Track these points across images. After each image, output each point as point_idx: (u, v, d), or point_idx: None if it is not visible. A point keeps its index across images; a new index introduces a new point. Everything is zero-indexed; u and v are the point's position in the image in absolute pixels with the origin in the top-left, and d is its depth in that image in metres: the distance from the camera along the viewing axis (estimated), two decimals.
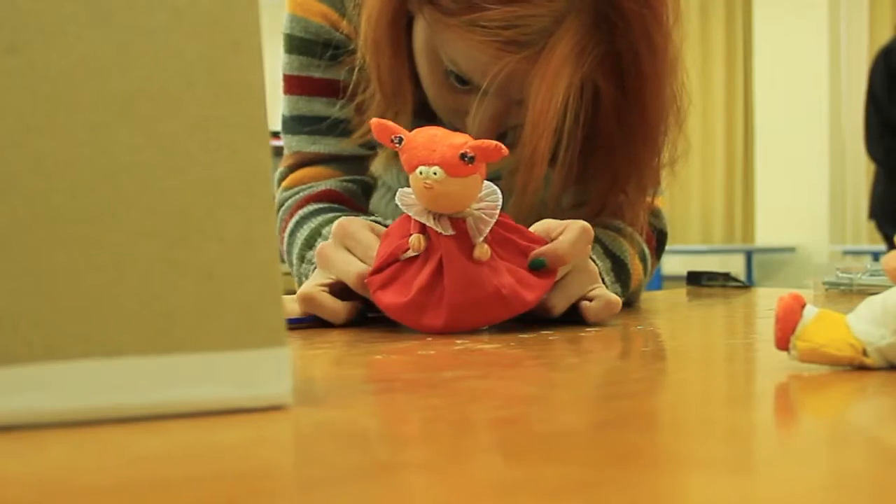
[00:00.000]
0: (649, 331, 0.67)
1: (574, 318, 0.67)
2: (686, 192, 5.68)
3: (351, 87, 0.84)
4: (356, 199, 0.91)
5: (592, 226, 0.68)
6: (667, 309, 0.87)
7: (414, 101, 0.81)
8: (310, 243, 0.83)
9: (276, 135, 0.96)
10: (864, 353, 0.42)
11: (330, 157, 0.90)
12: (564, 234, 0.65)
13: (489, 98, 0.74)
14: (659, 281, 4.29)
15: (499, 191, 0.63)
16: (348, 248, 0.67)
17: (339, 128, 0.88)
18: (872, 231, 5.03)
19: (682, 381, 0.45)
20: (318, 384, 0.43)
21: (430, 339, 0.59)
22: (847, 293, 1.01)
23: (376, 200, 1.01)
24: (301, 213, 0.87)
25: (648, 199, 0.85)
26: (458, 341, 0.57)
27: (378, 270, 0.64)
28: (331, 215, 0.84)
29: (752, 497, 0.23)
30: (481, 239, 0.61)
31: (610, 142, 0.79)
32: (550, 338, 0.59)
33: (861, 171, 5.26)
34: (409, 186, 0.62)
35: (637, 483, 0.24)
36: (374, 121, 0.62)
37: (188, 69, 0.34)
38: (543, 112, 0.70)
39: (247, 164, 0.34)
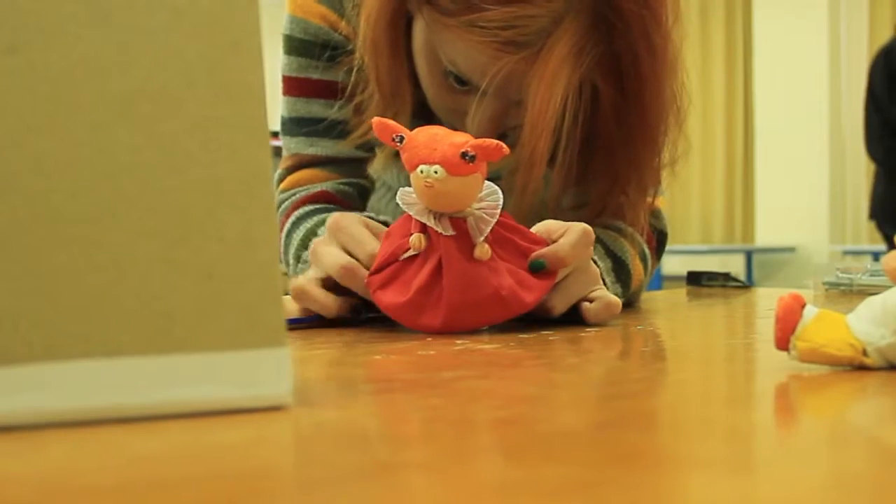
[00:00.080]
0: (649, 331, 0.67)
1: (574, 318, 0.67)
2: (686, 192, 5.68)
3: (349, 87, 0.84)
4: (352, 202, 0.91)
5: (593, 226, 0.68)
6: (667, 309, 0.87)
7: (413, 102, 0.81)
8: (305, 244, 0.83)
9: (276, 135, 0.96)
10: (864, 353, 0.42)
11: (327, 160, 0.90)
12: (565, 236, 0.65)
13: (488, 98, 0.74)
14: (659, 281, 4.29)
15: (499, 191, 0.63)
16: (341, 243, 0.67)
17: (336, 130, 0.88)
18: (872, 231, 5.03)
19: (682, 381, 0.45)
20: (318, 384, 0.43)
21: (429, 339, 0.59)
22: (847, 293, 1.01)
23: (376, 200, 1.01)
24: (297, 213, 0.87)
25: (649, 199, 0.85)
26: (458, 341, 0.57)
27: (378, 270, 0.64)
28: (325, 216, 0.85)
29: (752, 497, 0.23)
30: (482, 238, 0.61)
31: (610, 142, 0.79)
32: (550, 338, 0.59)
33: (861, 171, 5.26)
34: (409, 186, 0.62)
35: (637, 483, 0.24)
36: (375, 120, 0.62)
37: (188, 69, 0.34)
38: (542, 112, 0.70)
39: (247, 164, 0.34)
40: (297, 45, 0.87)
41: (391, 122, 0.62)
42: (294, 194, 0.90)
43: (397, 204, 0.63)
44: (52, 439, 0.30)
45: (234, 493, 0.24)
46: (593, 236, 0.67)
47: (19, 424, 0.32)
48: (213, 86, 0.34)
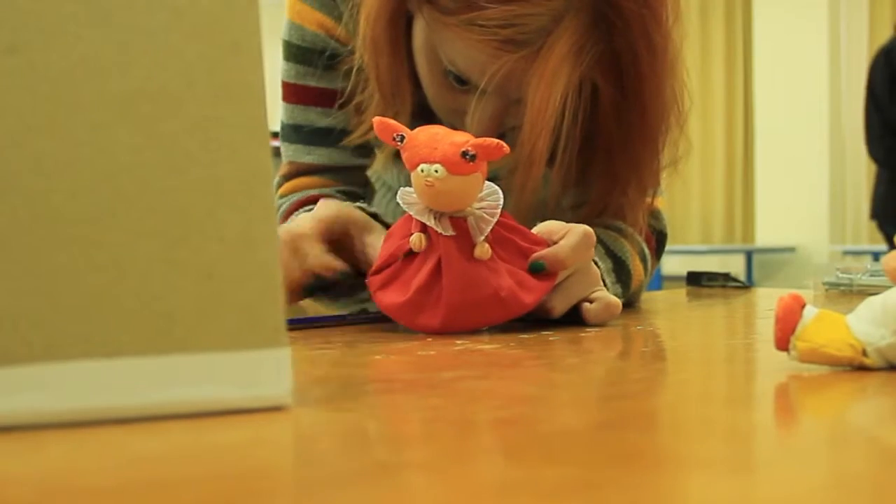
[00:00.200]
0: (649, 331, 0.67)
1: (574, 318, 0.67)
2: (686, 192, 5.68)
3: (349, 88, 0.84)
4: None
5: (593, 226, 0.68)
6: (667, 309, 0.87)
7: (413, 102, 0.81)
8: None
9: (276, 135, 0.96)
10: (864, 353, 0.42)
11: (323, 168, 0.91)
12: (566, 238, 0.65)
13: (488, 98, 0.74)
14: (659, 281, 4.29)
15: (500, 190, 0.63)
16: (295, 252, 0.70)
17: (333, 138, 0.89)
18: (872, 231, 5.03)
19: (682, 382, 0.45)
20: (318, 385, 0.43)
21: (429, 339, 0.59)
22: (847, 293, 1.00)
23: (377, 201, 1.01)
24: (292, 218, 0.88)
25: (648, 199, 0.85)
26: (458, 342, 0.57)
27: (378, 271, 0.64)
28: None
29: (752, 497, 0.23)
30: (482, 238, 0.61)
31: (609, 142, 0.79)
32: (551, 338, 0.59)
33: (861, 171, 5.26)
34: (409, 186, 0.62)
35: (637, 483, 0.24)
36: (376, 119, 0.62)
37: (188, 69, 0.34)
38: (542, 111, 0.70)
39: (247, 165, 0.34)
40: (295, 52, 0.88)
41: (392, 121, 0.62)
42: (292, 198, 0.91)
43: (398, 204, 0.63)
44: (52, 439, 0.30)
45: (234, 493, 0.24)
46: (594, 238, 0.67)
47: (19, 424, 0.32)
48: (214, 86, 0.34)
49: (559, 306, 0.66)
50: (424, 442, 0.31)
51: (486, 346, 0.55)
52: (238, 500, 0.23)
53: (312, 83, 0.88)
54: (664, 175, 0.85)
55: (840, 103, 5.38)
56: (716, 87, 5.71)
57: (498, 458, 0.28)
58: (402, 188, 0.63)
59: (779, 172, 5.43)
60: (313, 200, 0.89)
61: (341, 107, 0.86)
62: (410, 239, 0.62)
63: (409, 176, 0.61)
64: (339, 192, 0.91)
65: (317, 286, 0.72)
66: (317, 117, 0.89)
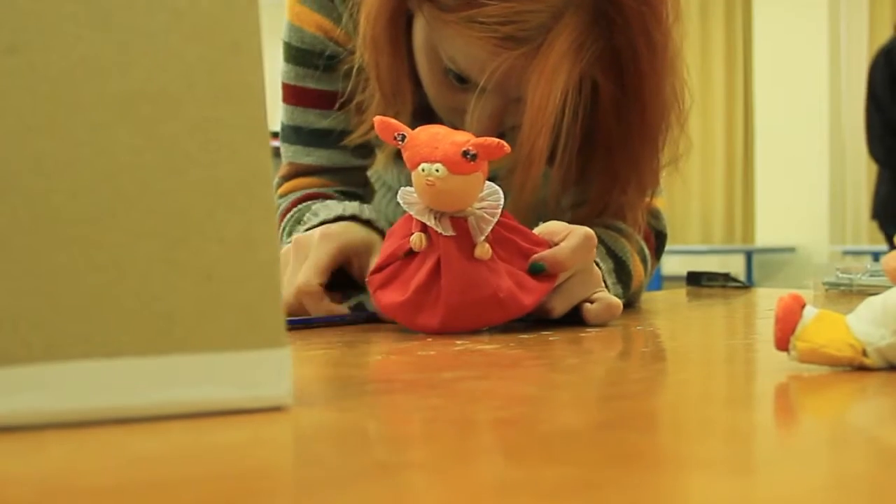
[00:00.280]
0: (649, 331, 0.67)
1: (575, 319, 0.67)
2: (686, 192, 5.68)
3: (349, 87, 0.84)
4: None
5: (593, 226, 0.68)
6: (667, 309, 0.87)
7: (413, 101, 0.81)
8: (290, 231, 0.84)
9: (276, 135, 0.96)
10: (864, 353, 0.42)
11: (322, 169, 0.91)
12: (567, 239, 0.65)
13: (487, 96, 0.74)
14: (659, 281, 4.29)
15: (500, 190, 0.63)
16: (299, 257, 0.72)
17: (333, 139, 0.89)
18: (872, 231, 5.03)
19: (682, 382, 0.45)
20: (318, 385, 0.43)
21: (429, 339, 0.59)
22: (847, 293, 1.00)
23: (377, 201, 1.01)
24: (289, 214, 0.88)
25: (648, 199, 0.84)
26: (458, 342, 0.57)
27: (378, 270, 0.64)
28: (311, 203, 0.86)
29: (752, 497, 0.23)
30: (482, 238, 0.61)
31: (609, 140, 0.79)
32: (551, 338, 0.59)
33: (861, 171, 5.26)
34: (409, 186, 0.62)
35: (637, 484, 0.24)
36: (377, 118, 0.62)
37: (188, 70, 0.34)
38: (542, 108, 0.70)
39: (247, 165, 0.34)
40: (295, 54, 0.88)
41: (393, 120, 0.62)
42: (290, 198, 0.91)
43: (398, 204, 0.64)
44: (52, 440, 0.30)
45: (234, 493, 0.24)
46: (596, 241, 0.66)
47: (19, 425, 0.32)
48: (213, 87, 0.34)
49: (559, 307, 0.66)
50: (424, 442, 0.31)
51: (486, 346, 0.55)
52: (238, 501, 0.23)
53: (312, 85, 0.88)
54: (665, 174, 0.85)
55: (840, 103, 5.38)
56: (716, 86, 5.71)
57: (498, 458, 0.28)
58: (402, 188, 0.63)
59: (779, 172, 5.44)
60: (311, 198, 0.89)
61: (342, 106, 0.86)
62: (410, 238, 0.62)
63: (409, 176, 0.61)
64: (337, 192, 0.91)
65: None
66: (316, 119, 0.89)
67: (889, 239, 3.30)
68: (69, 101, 0.33)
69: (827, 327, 0.42)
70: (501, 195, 0.63)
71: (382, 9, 0.76)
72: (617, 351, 0.57)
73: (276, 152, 0.89)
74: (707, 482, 0.25)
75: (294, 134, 0.91)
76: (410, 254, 0.63)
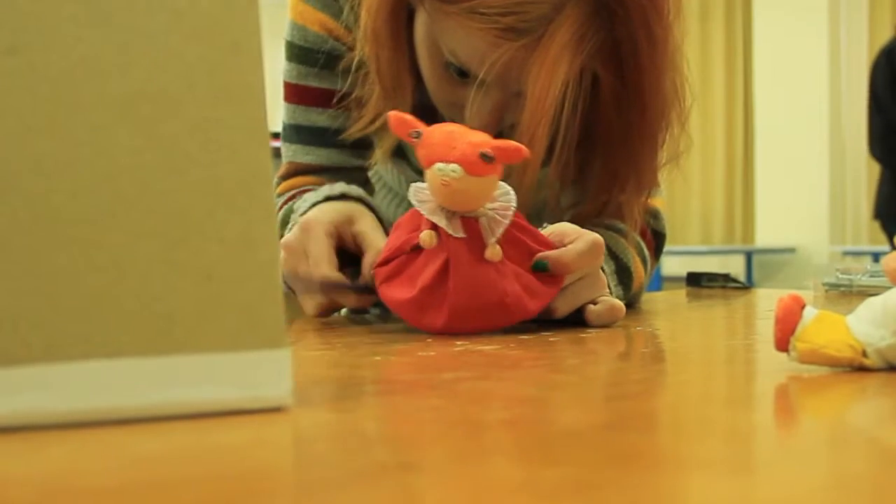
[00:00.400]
0: (649, 332, 0.67)
1: (576, 319, 0.67)
2: (686, 192, 5.68)
3: (349, 82, 0.84)
4: None
5: (594, 226, 0.68)
6: (667, 310, 0.87)
7: (413, 98, 0.80)
8: (285, 220, 0.85)
9: (276, 136, 0.96)
10: (864, 354, 0.42)
11: (321, 168, 0.91)
12: (575, 243, 0.65)
13: (487, 89, 0.74)
14: (659, 282, 4.29)
15: (512, 191, 0.63)
16: (303, 249, 0.72)
17: (333, 139, 0.89)
18: (872, 232, 5.04)
19: (683, 383, 0.45)
20: (318, 385, 0.43)
21: (430, 340, 0.59)
22: (847, 294, 1.01)
23: (377, 201, 1.01)
24: (286, 206, 0.88)
25: (646, 198, 0.84)
26: (458, 342, 0.57)
27: (385, 262, 0.64)
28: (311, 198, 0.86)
29: (752, 498, 0.23)
30: (494, 240, 0.61)
31: (609, 138, 0.79)
32: (551, 339, 0.59)
33: (861, 171, 5.27)
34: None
35: (638, 484, 0.24)
36: (392, 113, 0.62)
37: (188, 70, 0.34)
38: (542, 99, 0.69)
39: (247, 166, 0.34)
40: (297, 53, 0.88)
41: (408, 116, 0.61)
42: (285, 196, 0.91)
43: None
44: (53, 440, 0.30)
45: (234, 494, 0.24)
46: (604, 248, 0.67)
47: (20, 425, 0.32)
48: (213, 87, 0.34)
49: (563, 307, 0.66)
50: (424, 443, 0.31)
51: (487, 346, 0.55)
52: (238, 501, 0.23)
53: (314, 83, 0.88)
54: (665, 172, 0.85)
55: (840, 103, 5.38)
56: (716, 87, 5.71)
57: (498, 458, 0.28)
58: (414, 183, 0.63)
59: (779, 173, 5.44)
60: (301, 195, 0.89)
61: (341, 100, 0.86)
62: (420, 235, 0.61)
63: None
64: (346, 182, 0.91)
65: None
66: (318, 118, 0.89)
67: (891, 239, 3.30)
68: (69, 101, 0.33)
69: (827, 328, 0.42)
70: (513, 196, 0.62)
71: (384, 1, 0.76)
72: (617, 352, 0.57)
73: (277, 152, 0.89)
74: (707, 482, 0.25)
75: (295, 133, 0.91)
76: (418, 248, 0.62)
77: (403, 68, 0.79)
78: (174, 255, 0.33)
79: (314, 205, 0.78)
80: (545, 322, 0.66)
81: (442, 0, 0.71)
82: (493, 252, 0.61)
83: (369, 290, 0.70)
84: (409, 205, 0.63)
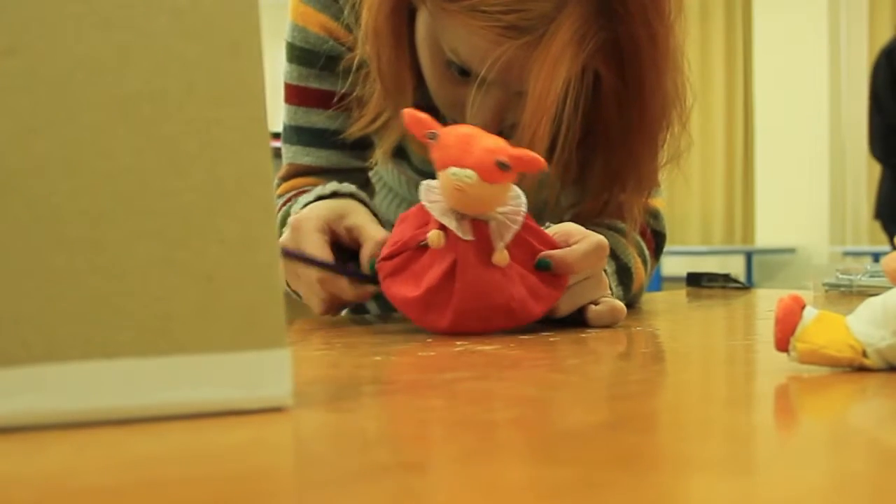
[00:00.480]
0: (649, 332, 0.67)
1: (576, 319, 0.67)
2: (686, 192, 5.68)
3: (350, 81, 0.83)
4: None
5: (595, 226, 0.68)
6: (667, 310, 0.87)
7: (414, 97, 0.80)
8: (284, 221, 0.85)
9: (276, 136, 0.96)
10: (864, 354, 0.42)
11: (321, 170, 0.91)
12: (580, 244, 0.65)
13: (488, 88, 0.73)
14: (659, 282, 4.29)
15: (523, 195, 0.62)
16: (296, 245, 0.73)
17: (333, 140, 0.88)
18: (872, 232, 5.04)
19: (682, 383, 0.45)
20: (319, 386, 0.43)
21: (430, 340, 0.59)
22: (847, 294, 1.01)
23: (377, 202, 1.01)
24: (284, 209, 0.88)
25: (645, 198, 0.84)
26: (458, 343, 0.57)
27: (389, 257, 0.64)
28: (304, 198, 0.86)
29: (752, 498, 0.23)
30: (502, 245, 0.61)
31: (609, 137, 0.79)
32: (551, 339, 0.59)
33: (861, 171, 5.27)
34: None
35: (638, 484, 0.24)
36: (407, 110, 0.61)
37: (188, 71, 0.34)
38: (543, 97, 0.69)
39: (247, 166, 0.34)
40: (298, 54, 0.87)
41: (424, 115, 0.61)
42: (285, 198, 0.91)
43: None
44: (53, 441, 0.30)
45: (234, 494, 0.24)
46: (608, 250, 0.67)
47: (19, 426, 0.32)
48: (214, 87, 0.34)
49: (564, 307, 0.66)
50: (424, 443, 0.31)
51: (487, 347, 0.55)
52: (238, 501, 0.23)
53: (314, 85, 0.88)
54: (666, 172, 0.85)
55: (840, 104, 5.38)
56: (716, 86, 5.71)
57: (498, 458, 0.28)
58: (426, 181, 0.63)
59: (779, 173, 5.44)
60: (300, 196, 0.89)
61: (342, 99, 0.86)
62: (428, 235, 0.61)
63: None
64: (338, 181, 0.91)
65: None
66: (318, 119, 0.89)
67: (891, 238, 3.30)
68: (69, 102, 0.33)
69: (827, 328, 0.42)
70: (524, 200, 0.62)
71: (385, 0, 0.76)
72: (617, 352, 0.57)
73: (277, 153, 0.89)
74: (707, 483, 0.25)
75: (295, 134, 0.91)
76: (424, 245, 0.62)
77: (404, 67, 0.79)
78: (174, 256, 0.33)
79: (306, 205, 0.79)
80: (545, 322, 0.67)
81: None
82: (501, 257, 0.60)
83: (367, 279, 0.70)
84: (410, 205, 0.63)
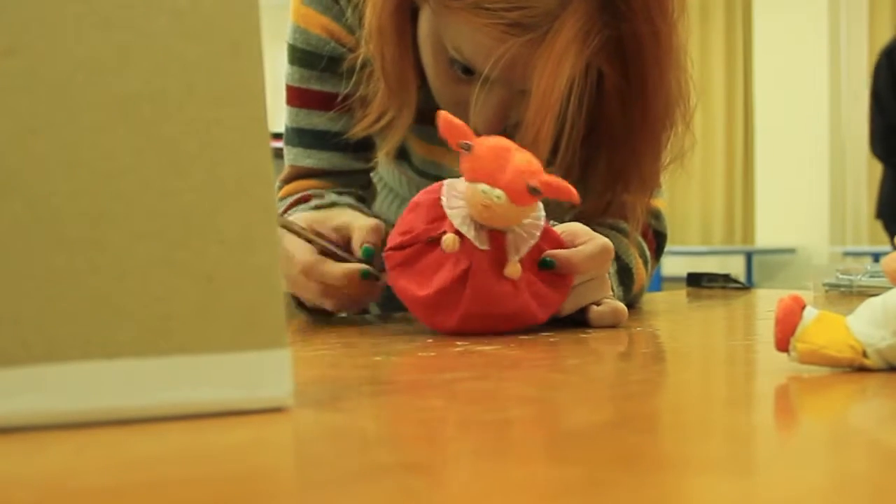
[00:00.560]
0: (650, 332, 0.67)
1: (577, 319, 0.67)
2: (686, 192, 5.68)
3: (353, 81, 0.83)
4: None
5: (598, 226, 0.68)
6: (667, 310, 0.87)
7: (418, 98, 0.80)
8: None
9: (276, 136, 0.96)
10: (864, 354, 0.42)
11: (323, 172, 0.90)
12: (585, 245, 0.65)
13: (492, 87, 0.73)
14: (659, 282, 4.29)
15: (542, 208, 0.62)
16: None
17: (335, 142, 0.88)
18: (872, 232, 5.04)
19: (683, 383, 0.45)
20: (319, 386, 0.43)
21: (430, 340, 0.59)
22: (847, 295, 1.01)
23: (379, 203, 1.01)
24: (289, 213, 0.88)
25: (648, 198, 0.84)
26: (459, 343, 0.57)
27: (399, 247, 0.63)
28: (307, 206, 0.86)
29: (753, 498, 0.23)
30: (517, 258, 0.61)
31: (612, 137, 0.79)
32: (551, 339, 0.59)
33: (861, 171, 5.27)
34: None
35: (638, 484, 0.24)
36: (441, 113, 0.61)
37: (189, 71, 0.34)
38: (547, 95, 0.69)
39: (247, 166, 0.34)
40: (299, 56, 0.87)
41: (459, 122, 0.60)
42: (287, 201, 0.91)
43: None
44: (52, 441, 0.30)
45: (235, 494, 0.24)
46: (613, 254, 0.67)
47: (19, 426, 0.32)
48: (214, 88, 0.34)
49: (566, 306, 0.66)
50: (425, 443, 0.31)
51: (487, 347, 0.55)
52: (238, 501, 0.23)
53: (316, 87, 0.88)
54: (669, 172, 0.85)
55: (840, 103, 5.38)
56: (716, 86, 5.71)
57: (499, 458, 0.28)
58: (449, 180, 0.62)
59: (779, 173, 5.44)
60: (306, 199, 0.89)
61: (344, 100, 0.86)
62: (443, 239, 0.60)
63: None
64: (339, 193, 0.91)
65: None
66: (319, 121, 0.89)
67: (892, 238, 3.30)
68: (69, 102, 0.33)
69: (827, 328, 0.42)
70: (543, 213, 0.62)
71: None
72: (618, 352, 0.57)
73: (277, 153, 0.89)
74: (708, 483, 0.25)
75: (297, 136, 0.91)
76: (435, 240, 0.62)
77: (408, 65, 0.79)
78: (174, 256, 0.33)
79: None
80: (546, 322, 0.66)
81: None
82: (514, 270, 0.60)
83: (360, 262, 0.70)
84: None
